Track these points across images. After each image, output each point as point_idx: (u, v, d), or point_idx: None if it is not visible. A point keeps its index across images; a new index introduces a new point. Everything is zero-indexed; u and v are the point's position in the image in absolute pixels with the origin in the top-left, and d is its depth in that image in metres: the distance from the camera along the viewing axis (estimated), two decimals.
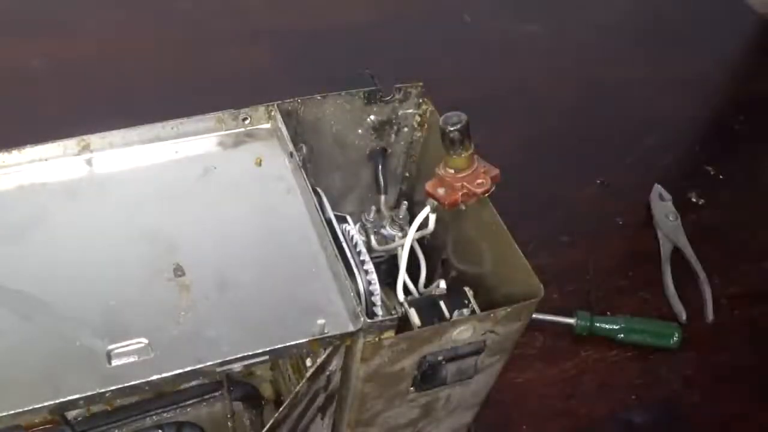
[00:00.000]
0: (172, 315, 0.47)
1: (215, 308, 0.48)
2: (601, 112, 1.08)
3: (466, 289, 0.55)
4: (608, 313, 0.83)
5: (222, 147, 0.57)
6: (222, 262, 0.50)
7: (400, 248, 0.60)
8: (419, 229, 0.56)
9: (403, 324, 0.50)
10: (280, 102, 0.58)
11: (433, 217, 0.56)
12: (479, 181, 0.50)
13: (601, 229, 0.93)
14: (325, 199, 0.55)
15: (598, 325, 0.81)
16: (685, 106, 1.12)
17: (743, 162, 1.05)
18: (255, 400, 0.66)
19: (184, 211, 0.53)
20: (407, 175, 0.68)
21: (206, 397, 0.64)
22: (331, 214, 0.54)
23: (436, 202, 0.53)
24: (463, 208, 0.52)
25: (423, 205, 0.55)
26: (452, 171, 0.51)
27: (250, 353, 0.45)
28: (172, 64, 1.02)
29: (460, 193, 0.51)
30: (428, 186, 0.52)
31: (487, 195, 0.51)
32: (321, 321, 0.47)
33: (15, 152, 0.53)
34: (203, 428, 0.63)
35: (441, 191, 0.51)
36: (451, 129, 0.48)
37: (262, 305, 0.49)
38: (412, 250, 0.60)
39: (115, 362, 0.45)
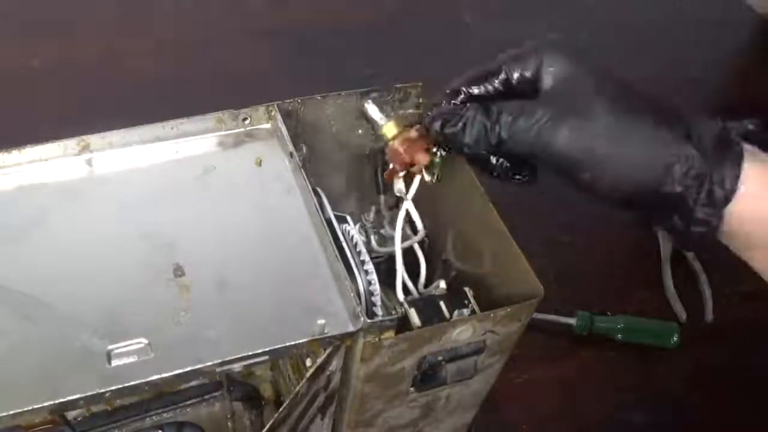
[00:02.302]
0: (172, 315, 0.47)
1: (215, 308, 0.48)
2: None
3: (466, 289, 0.55)
4: (608, 313, 0.83)
5: (222, 147, 0.57)
6: (222, 262, 0.50)
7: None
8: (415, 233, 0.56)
9: (403, 324, 0.50)
10: (280, 102, 0.58)
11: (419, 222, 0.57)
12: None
13: (601, 229, 0.93)
14: (325, 199, 0.55)
15: (598, 325, 0.81)
16: (685, 106, 1.12)
17: None
18: (255, 401, 0.66)
19: (184, 211, 0.53)
20: None
21: (206, 397, 0.64)
22: (331, 214, 0.54)
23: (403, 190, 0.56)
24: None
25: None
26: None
27: (250, 353, 0.45)
28: (172, 64, 1.02)
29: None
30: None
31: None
32: (321, 321, 0.47)
33: (15, 152, 0.53)
34: (203, 428, 0.63)
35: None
36: None
37: (262, 305, 0.49)
38: (412, 251, 0.60)
39: (115, 362, 0.45)
